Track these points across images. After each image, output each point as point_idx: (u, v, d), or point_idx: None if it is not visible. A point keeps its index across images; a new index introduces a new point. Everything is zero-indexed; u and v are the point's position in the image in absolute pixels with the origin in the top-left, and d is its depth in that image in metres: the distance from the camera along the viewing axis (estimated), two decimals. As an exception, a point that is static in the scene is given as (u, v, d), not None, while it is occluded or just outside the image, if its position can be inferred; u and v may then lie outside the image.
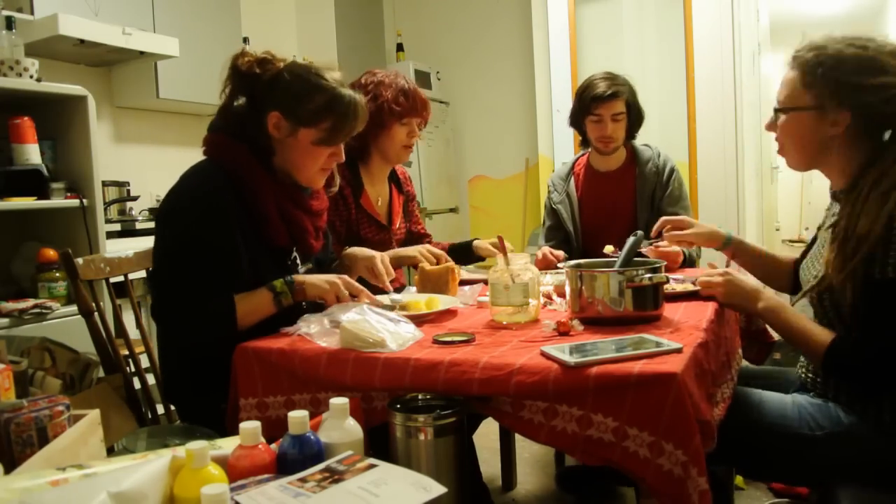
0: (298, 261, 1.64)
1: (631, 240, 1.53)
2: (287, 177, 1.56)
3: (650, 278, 1.35)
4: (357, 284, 1.52)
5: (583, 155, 2.46)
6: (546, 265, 2.10)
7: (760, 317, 1.45)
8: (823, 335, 1.31)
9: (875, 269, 1.22)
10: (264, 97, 1.50)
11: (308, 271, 1.65)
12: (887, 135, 1.30)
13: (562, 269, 1.60)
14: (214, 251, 1.44)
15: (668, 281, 1.41)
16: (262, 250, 1.52)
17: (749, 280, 1.51)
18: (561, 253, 2.17)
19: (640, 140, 2.41)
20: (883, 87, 1.23)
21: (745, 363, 1.90)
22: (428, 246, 2.00)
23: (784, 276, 1.69)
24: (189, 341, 1.50)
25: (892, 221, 1.21)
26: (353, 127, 1.54)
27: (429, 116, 2.12)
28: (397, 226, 2.20)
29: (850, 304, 1.28)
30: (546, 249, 2.17)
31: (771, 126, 1.42)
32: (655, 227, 1.81)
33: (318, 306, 1.51)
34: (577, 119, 2.32)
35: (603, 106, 2.21)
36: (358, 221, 2.06)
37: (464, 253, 2.21)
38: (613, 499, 2.26)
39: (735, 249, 1.73)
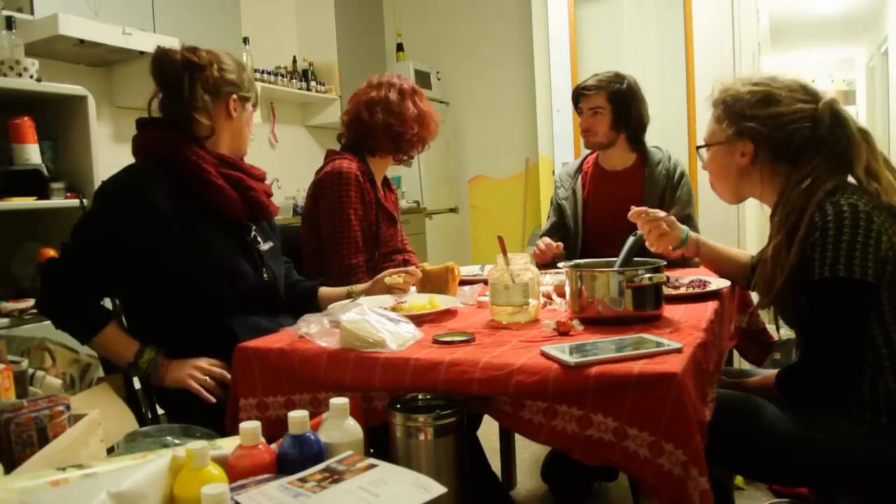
0: (259, 238, 1.68)
1: (631, 239, 1.53)
2: (230, 152, 1.68)
3: (650, 278, 1.35)
4: (217, 370, 1.53)
5: (592, 153, 2.46)
6: (546, 254, 2.14)
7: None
8: (769, 374, 1.41)
9: (815, 271, 1.28)
10: (218, 86, 1.61)
11: (270, 249, 1.71)
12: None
13: (562, 269, 1.59)
14: (114, 230, 1.50)
15: (668, 281, 1.40)
16: (219, 229, 1.58)
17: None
18: (559, 244, 2.19)
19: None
20: (773, 116, 1.39)
21: (744, 367, 1.90)
22: (401, 269, 1.82)
23: (743, 272, 1.71)
24: (52, 318, 1.55)
25: (814, 217, 1.29)
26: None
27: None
28: (399, 223, 2.24)
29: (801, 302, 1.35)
30: (546, 239, 2.21)
31: (703, 164, 1.56)
32: (630, 214, 1.72)
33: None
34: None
35: (583, 99, 2.30)
36: (377, 217, 2.10)
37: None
38: (597, 495, 2.28)
39: (693, 248, 1.73)
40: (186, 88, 1.58)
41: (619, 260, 1.50)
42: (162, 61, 1.60)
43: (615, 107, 2.25)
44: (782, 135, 1.38)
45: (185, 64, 1.58)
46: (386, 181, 2.27)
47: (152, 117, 1.64)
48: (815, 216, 1.29)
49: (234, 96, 1.64)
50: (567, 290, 1.44)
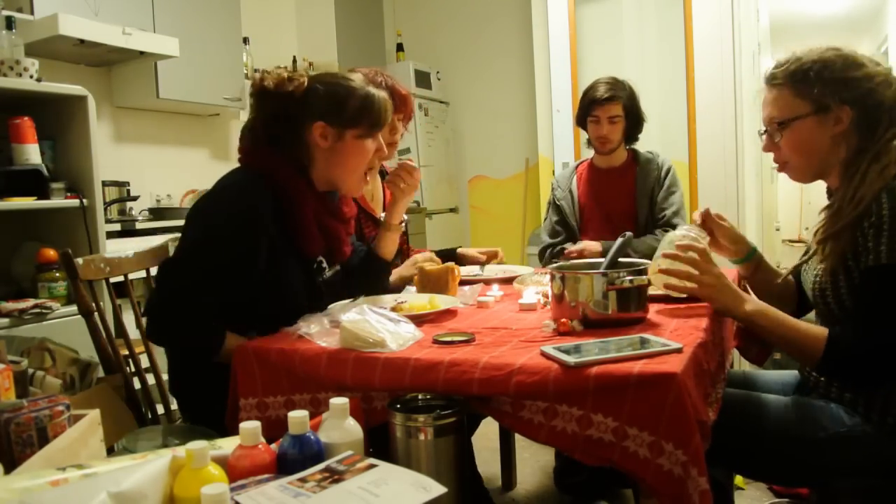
0: (325, 265, 1.65)
1: (619, 241, 1.52)
2: (324, 187, 1.59)
3: (631, 280, 1.32)
4: None
5: (586, 160, 2.61)
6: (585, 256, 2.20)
7: (747, 320, 1.34)
8: (820, 331, 1.30)
9: (869, 257, 1.23)
10: (302, 111, 1.53)
11: (334, 274, 1.67)
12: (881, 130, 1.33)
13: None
14: (229, 269, 1.43)
15: (649, 283, 1.38)
16: (291, 256, 1.53)
17: (726, 278, 1.39)
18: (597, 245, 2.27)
19: (641, 140, 2.51)
20: (867, 77, 1.32)
21: (745, 368, 1.90)
22: (421, 255, 1.97)
23: (793, 298, 1.60)
24: (169, 345, 1.52)
25: (881, 197, 1.23)
26: (386, 119, 1.61)
27: (412, 110, 2.12)
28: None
29: (847, 294, 1.29)
30: (587, 242, 2.31)
31: (770, 146, 1.44)
32: (698, 213, 1.60)
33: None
34: (581, 119, 2.47)
35: (600, 108, 2.37)
36: (359, 220, 2.06)
37: (448, 259, 2.21)
38: (611, 500, 2.26)
39: (755, 265, 1.62)
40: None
41: (605, 262, 1.48)
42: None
43: (628, 113, 2.39)
44: (878, 98, 1.31)
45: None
46: (383, 175, 2.24)
47: (257, 137, 1.57)
48: (882, 196, 1.24)
49: (321, 122, 1.53)
50: (550, 292, 1.44)
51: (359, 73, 2.04)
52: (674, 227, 2.29)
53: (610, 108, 2.36)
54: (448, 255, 2.22)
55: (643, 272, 1.36)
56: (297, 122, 1.54)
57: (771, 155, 1.47)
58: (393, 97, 2.01)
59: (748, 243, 1.61)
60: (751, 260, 1.61)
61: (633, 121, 2.42)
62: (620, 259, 1.47)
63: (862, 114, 1.32)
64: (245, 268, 1.45)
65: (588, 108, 2.39)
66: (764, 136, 1.45)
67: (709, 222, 1.58)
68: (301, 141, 1.54)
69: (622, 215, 2.42)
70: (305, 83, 1.54)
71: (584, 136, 2.55)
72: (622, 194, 2.45)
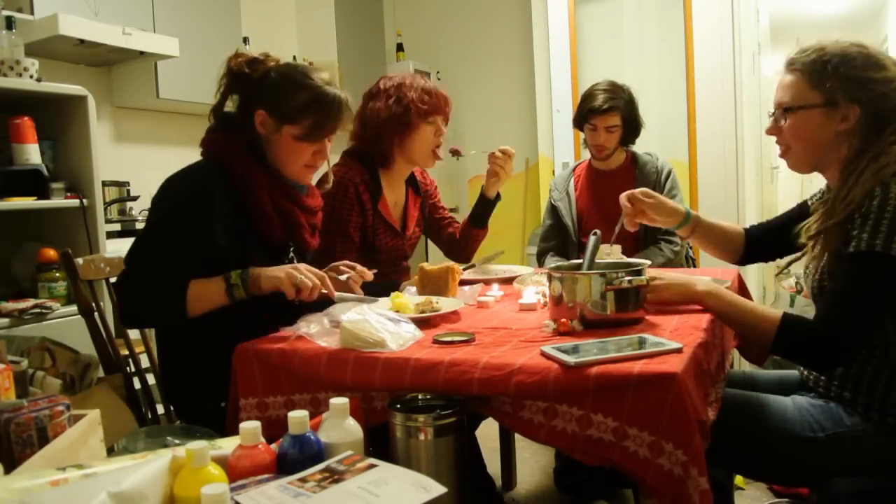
0: (295, 259, 1.64)
1: (592, 239, 1.52)
2: (280, 173, 1.59)
3: (630, 281, 1.32)
4: (316, 271, 1.46)
5: (583, 161, 2.62)
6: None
7: (702, 302, 1.38)
8: (773, 313, 1.30)
9: (851, 245, 1.24)
10: (252, 95, 1.54)
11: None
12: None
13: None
14: (186, 241, 1.45)
15: (648, 283, 1.38)
16: (258, 246, 1.53)
17: (671, 273, 1.55)
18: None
19: (641, 141, 2.52)
20: (886, 80, 1.30)
21: (745, 368, 1.90)
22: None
23: (737, 245, 1.69)
24: (140, 320, 1.53)
25: (874, 191, 1.23)
26: (335, 125, 1.56)
27: (450, 112, 2.12)
28: (411, 231, 2.18)
29: None
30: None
31: (774, 129, 1.42)
32: (622, 197, 1.72)
33: (322, 305, 1.50)
34: (578, 123, 2.50)
35: (598, 118, 2.39)
36: (374, 228, 2.04)
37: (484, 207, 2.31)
38: (611, 500, 2.26)
39: (693, 226, 1.69)
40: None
41: (584, 263, 1.48)
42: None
43: (626, 122, 2.40)
44: (892, 102, 1.29)
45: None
46: (413, 182, 2.21)
47: (220, 120, 1.60)
48: (875, 190, 1.24)
49: (262, 110, 1.53)
50: (547, 294, 1.43)
51: (393, 77, 2.05)
52: (669, 232, 2.32)
53: (607, 119, 2.37)
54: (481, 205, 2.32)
55: (641, 272, 1.36)
56: (247, 106, 1.54)
57: (771, 155, 1.47)
58: (437, 98, 2.04)
59: (683, 210, 1.69)
60: (688, 223, 1.68)
61: (631, 128, 2.43)
62: (618, 260, 1.48)
63: (871, 115, 1.30)
64: (201, 244, 1.45)
65: (585, 117, 2.41)
66: (770, 118, 1.44)
67: (637, 204, 1.67)
68: (253, 125, 1.55)
69: (620, 217, 2.40)
70: (267, 68, 1.53)
71: (583, 136, 2.56)
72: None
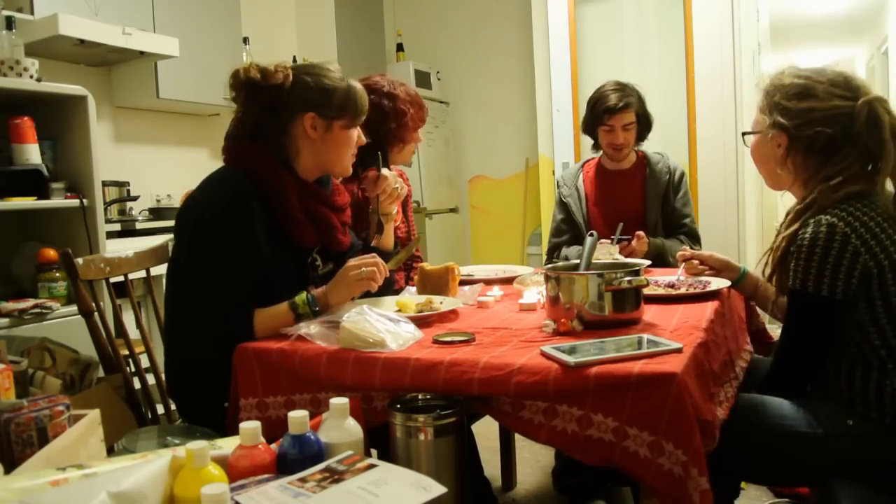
0: (319, 262, 1.65)
1: (589, 240, 1.52)
2: (310, 176, 1.60)
3: (629, 281, 1.32)
4: (370, 260, 1.49)
5: (592, 159, 2.60)
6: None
7: None
8: None
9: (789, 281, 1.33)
10: (293, 102, 1.55)
11: (328, 272, 1.65)
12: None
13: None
14: (236, 267, 1.44)
15: (647, 283, 1.38)
16: (284, 251, 1.53)
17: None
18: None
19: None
20: (806, 111, 1.36)
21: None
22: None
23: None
24: (204, 355, 1.47)
25: (807, 225, 1.30)
26: (364, 110, 1.65)
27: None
28: (395, 225, 2.20)
29: None
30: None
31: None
32: (679, 255, 1.82)
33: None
34: (590, 128, 2.48)
35: (614, 117, 2.37)
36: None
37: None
38: (611, 500, 2.25)
39: (753, 286, 1.72)
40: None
41: (581, 263, 1.48)
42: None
43: (640, 118, 2.41)
44: (810, 132, 1.35)
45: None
46: None
47: (242, 129, 1.59)
48: (800, 230, 1.31)
49: (311, 114, 1.55)
50: (544, 294, 1.43)
51: (382, 83, 2.09)
52: (691, 235, 2.41)
53: (624, 117, 2.37)
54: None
55: (639, 273, 1.36)
56: (283, 114, 1.54)
57: None
58: (421, 107, 2.13)
59: (737, 266, 1.74)
60: (745, 279, 1.72)
61: (645, 124, 2.44)
62: (616, 260, 1.48)
63: (797, 142, 1.37)
64: (253, 255, 1.45)
65: (601, 118, 2.39)
66: None
67: (697, 259, 1.77)
68: (285, 132, 1.55)
69: (631, 216, 2.40)
70: (291, 74, 1.56)
71: (584, 136, 2.55)
72: (631, 196, 2.46)
